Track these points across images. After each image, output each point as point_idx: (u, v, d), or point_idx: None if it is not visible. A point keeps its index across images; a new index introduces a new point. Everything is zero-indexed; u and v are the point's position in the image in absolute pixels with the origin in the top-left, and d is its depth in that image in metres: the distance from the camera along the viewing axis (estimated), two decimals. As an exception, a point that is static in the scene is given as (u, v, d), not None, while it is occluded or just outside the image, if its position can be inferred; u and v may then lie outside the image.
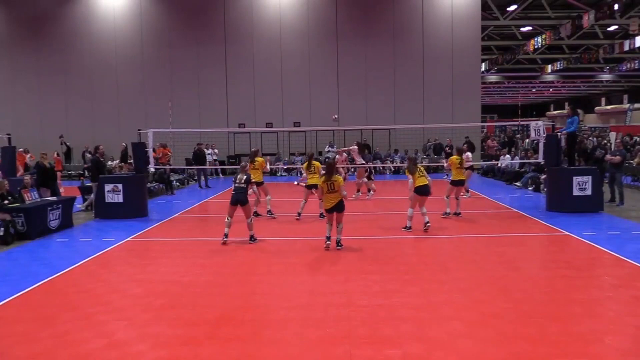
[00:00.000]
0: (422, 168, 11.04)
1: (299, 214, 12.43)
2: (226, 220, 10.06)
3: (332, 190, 9.19)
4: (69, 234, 11.52)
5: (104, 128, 25.90)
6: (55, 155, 20.27)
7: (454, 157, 12.70)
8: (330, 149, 25.69)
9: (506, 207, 13.95)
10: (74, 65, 26.14)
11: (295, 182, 18.55)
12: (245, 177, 10.13)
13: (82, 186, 15.82)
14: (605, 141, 28.39)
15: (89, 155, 21.91)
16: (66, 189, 17.06)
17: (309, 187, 12.46)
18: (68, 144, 25.13)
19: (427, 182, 10.71)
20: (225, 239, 9.98)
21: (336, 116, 18.74)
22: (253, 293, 7.07)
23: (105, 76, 26.14)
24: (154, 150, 17.25)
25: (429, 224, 10.73)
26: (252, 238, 10.10)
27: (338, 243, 9.35)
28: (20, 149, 18.12)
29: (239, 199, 9.94)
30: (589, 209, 12.75)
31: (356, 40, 25.77)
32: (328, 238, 9.41)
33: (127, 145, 22.00)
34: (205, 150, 21.66)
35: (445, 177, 21.64)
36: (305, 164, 12.78)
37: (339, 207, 9.26)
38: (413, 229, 11.02)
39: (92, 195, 13.84)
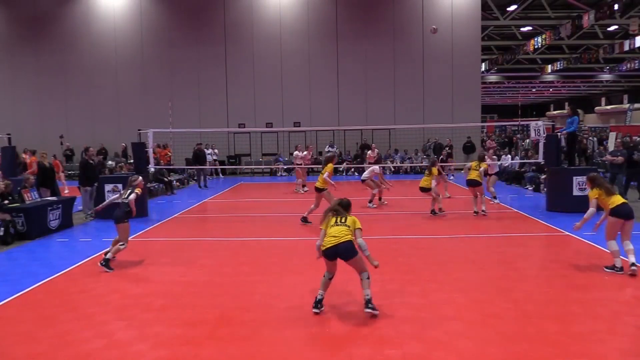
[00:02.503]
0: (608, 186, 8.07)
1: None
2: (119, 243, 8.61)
3: (342, 222, 6.24)
4: (69, 234, 11.52)
5: (104, 128, 25.96)
6: (54, 157, 20.30)
7: (474, 163, 13.10)
8: (330, 149, 25.71)
9: (506, 207, 13.94)
10: (74, 65, 26.18)
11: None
12: (129, 191, 8.72)
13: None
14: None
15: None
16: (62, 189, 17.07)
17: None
18: (71, 146, 25.25)
19: (625, 200, 7.95)
20: (102, 260, 8.36)
21: (435, 27, 17.54)
22: (253, 293, 7.06)
23: (105, 76, 26.18)
24: (153, 151, 17.25)
25: (634, 268, 7.47)
26: (105, 262, 8.26)
27: (368, 304, 6.07)
28: (30, 151, 18.06)
29: (116, 215, 8.55)
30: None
31: (356, 40, 25.79)
32: (318, 303, 6.26)
33: (126, 145, 22.08)
34: (205, 150, 21.65)
35: (452, 177, 21.62)
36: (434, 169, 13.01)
37: (346, 250, 6.06)
38: (411, 230, 11.01)
39: (82, 201, 13.50)
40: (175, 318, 6.16)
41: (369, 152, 20.04)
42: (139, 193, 8.79)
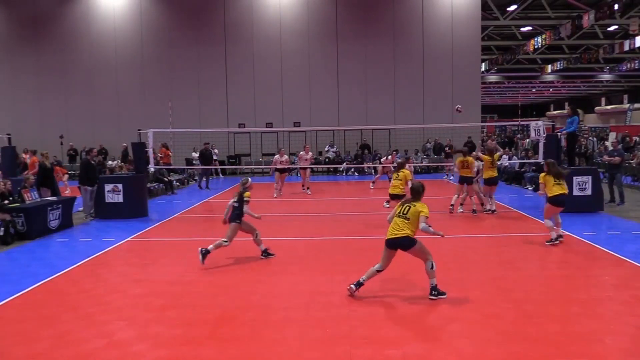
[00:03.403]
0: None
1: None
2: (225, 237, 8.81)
3: (403, 214, 6.58)
4: (69, 234, 11.52)
5: (104, 128, 25.96)
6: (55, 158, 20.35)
7: (486, 157, 12.86)
8: (330, 148, 25.71)
9: (506, 207, 13.93)
10: (74, 65, 26.18)
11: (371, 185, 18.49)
12: (238, 196, 8.79)
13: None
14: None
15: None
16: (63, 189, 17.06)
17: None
18: (74, 146, 25.34)
19: (564, 190, 9.41)
20: (202, 248, 8.60)
21: (459, 107, 17.17)
22: (253, 293, 7.06)
23: (105, 76, 26.18)
24: (153, 151, 17.21)
25: (562, 239, 9.53)
26: (264, 253, 8.96)
27: (432, 291, 6.64)
28: (30, 151, 18.08)
29: (231, 218, 8.75)
30: (589, 209, 12.75)
31: (356, 41, 25.78)
32: (358, 284, 6.70)
33: (128, 145, 22.05)
34: (211, 150, 21.43)
35: (445, 177, 21.67)
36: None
37: (402, 244, 6.55)
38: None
39: (82, 201, 13.48)
40: (175, 318, 6.16)
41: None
42: (249, 200, 8.80)
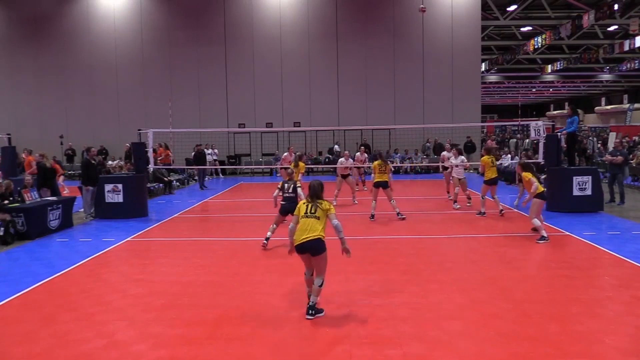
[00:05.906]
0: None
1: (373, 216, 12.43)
2: (271, 226, 9.72)
3: (311, 214, 6.07)
4: (69, 234, 11.52)
5: (104, 128, 25.97)
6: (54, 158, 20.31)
7: (486, 157, 12.73)
8: (337, 147, 25.64)
9: (506, 207, 13.91)
10: (74, 65, 26.18)
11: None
12: (292, 185, 9.73)
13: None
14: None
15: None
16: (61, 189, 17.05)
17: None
18: (72, 146, 25.34)
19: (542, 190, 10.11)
20: (265, 242, 9.57)
21: (422, 7, 16.88)
22: (253, 293, 7.06)
23: (105, 76, 26.18)
24: (154, 151, 17.22)
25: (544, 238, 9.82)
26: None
27: (309, 310, 6.06)
28: (27, 150, 18.08)
29: (289, 209, 9.32)
30: (589, 209, 12.75)
31: (356, 40, 25.79)
32: (310, 308, 6.08)
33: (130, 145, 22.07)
34: (205, 150, 21.53)
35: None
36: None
37: (314, 247, 5.99)
38: (411, 230, 11.03)
39: (83, 201, 13.51)
40: (175, 318, 6.16)
41: (445, 152, 15.72)
42: (300, 184, 9.81)
